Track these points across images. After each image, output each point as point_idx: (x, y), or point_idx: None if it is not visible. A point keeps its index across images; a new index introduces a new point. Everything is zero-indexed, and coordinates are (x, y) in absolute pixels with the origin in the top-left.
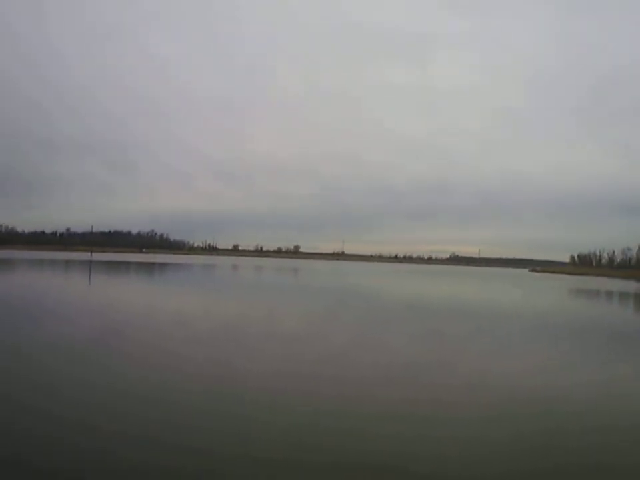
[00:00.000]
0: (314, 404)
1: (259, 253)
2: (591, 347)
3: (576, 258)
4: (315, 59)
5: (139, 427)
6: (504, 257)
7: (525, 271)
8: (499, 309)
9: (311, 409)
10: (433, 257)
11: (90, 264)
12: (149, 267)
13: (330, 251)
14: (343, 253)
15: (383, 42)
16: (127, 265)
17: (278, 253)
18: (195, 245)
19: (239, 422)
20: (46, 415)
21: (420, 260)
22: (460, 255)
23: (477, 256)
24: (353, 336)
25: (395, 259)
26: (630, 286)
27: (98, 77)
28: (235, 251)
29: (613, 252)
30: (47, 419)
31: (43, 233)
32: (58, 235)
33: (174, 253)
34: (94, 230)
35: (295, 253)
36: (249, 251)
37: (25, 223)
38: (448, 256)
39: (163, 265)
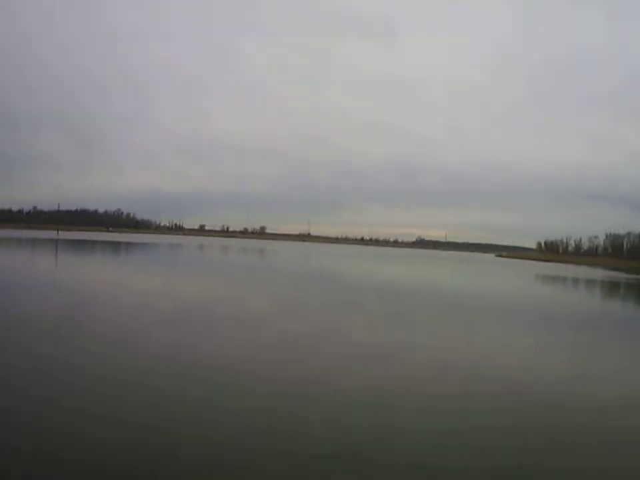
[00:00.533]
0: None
1: (225, 233)
2: (557, 332)
3: (542, 245)
4: (284, 40)
5: (97, 404)
6: (470, 241)
7: (492, 256)
8: (474, 296)
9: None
10: (399, 240)
11: (56, 242)
12: (115, 246)
13: (296, 232)
14: (309, 234)
15: (352, 23)
16: (92, 243)
17: (244, 233)
18: (162, 224)
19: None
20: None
21: (386, 243)
22: (426, 238)
23: (443, 240)
24: (308, 321)
25: (361, 241)
26: (596, 273)
27: (60, 52)
28: (202, 230)
29: (580, 239)
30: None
31: (11, 210)
32: (24, 213)
33: (140, 232)
34: (61, 208)
35: (261, 233)
36: (215, 231)
37: None
38: (414, 239)
39: (128, 244)
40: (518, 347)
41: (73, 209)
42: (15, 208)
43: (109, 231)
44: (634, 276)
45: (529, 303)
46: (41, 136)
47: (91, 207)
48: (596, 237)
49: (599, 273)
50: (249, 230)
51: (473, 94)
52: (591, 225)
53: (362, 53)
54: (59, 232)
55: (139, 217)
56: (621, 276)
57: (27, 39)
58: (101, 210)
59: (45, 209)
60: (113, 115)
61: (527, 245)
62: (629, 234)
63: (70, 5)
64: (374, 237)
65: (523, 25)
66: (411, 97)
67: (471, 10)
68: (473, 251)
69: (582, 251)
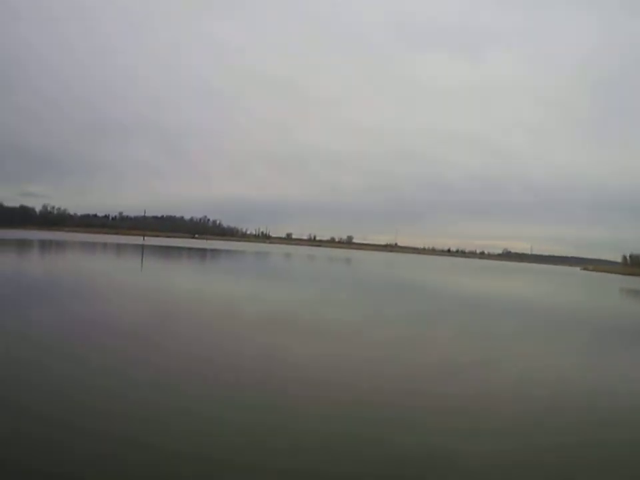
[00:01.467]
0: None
1: (312, 242)
2: None
3: (628, 258)
4: (373, 51)
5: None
6: (555, 254)
7: (577, 269)
8: (576, 312)
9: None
10: (486, 252)
11: (142, 248)
12: (201, 253)
13: (383, 242)
14: (395, 244)
15: (435, 36)
16: (178, 249)
17: (331, 242)
18: (248, 232)
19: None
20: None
21: (472, 254)
22: (512, 251)
23: (529, 252)
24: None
25: (448, 252)
26: None
27: (150, 62)
28: (288, 239)
29: None
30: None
31: (95, 216)
32: (110, 218)
33: (226, 240)
34: (147, 214)
35: (347, 243)
36: (302, 240)
37: (78, 206)
38: (500, 251)
39: (215, 251)
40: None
41: (159, 215)
42: (100, 213)
43: (194, 238)
44: None
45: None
46: (128, 143)
47: (177, 213)
48: None
49: None
50: (336, 239)
51: (558, 104)
52: None
53: (446, 65)
54: (145, 238)
55: (225, 224)
56: None
57: (114, 51)
58: (187, 217)
59: (132, 215)
60: (200, 124)
61: (612, 259)
62: None
63: (159, 16)
64: (460, 249)
65: (609, 33)
66: (496, 108)
67: (555, 20)
68: (557, 264)
69: None
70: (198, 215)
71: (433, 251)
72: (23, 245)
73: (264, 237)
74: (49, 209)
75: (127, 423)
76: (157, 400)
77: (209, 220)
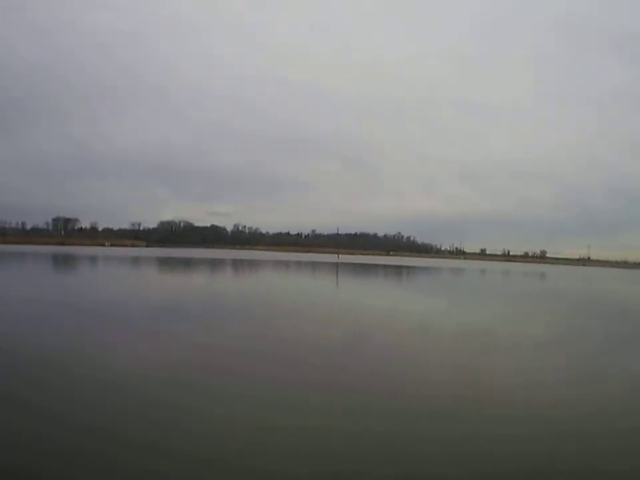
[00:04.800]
0: None
1: (506, 257)
2: None
3: None
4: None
5: None
6: None
7: None
8: None
9: None
10: None
11: (337, 265)
12: (396, 270)
13: (576, 256)
14: (588, 258)
15: None
16: (374, 267)
17: (524, 257)
18: (442, 248)
19: None
20: None
21: None
22: None
23: None
24: None
25: None
26: None
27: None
28: (482, 255)
29: None
30: None
31: (288, 233)
32: (303, 236)
33: (421, 256)
34: (339, 231)
35: (541, 257)
36: (495, 255)
37: (269, 224)
38: None
39: (410, 268)
40: None
41: (352, 232)
42: (293, 231)
43: (389, 255)
44: None
45: None
46: (319, 160)
47: (370, 230)
48: None
49: None
50: (529, 254)
51: None
52: None
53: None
54: (339, 255)
55: (419, 240)
56: None
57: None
58: (381, 234)
59: (324, 232)
60: (388, 139)
61: None
62: None
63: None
64: None
65: None
66: None
67: None
68: None
69: None
70: (391, 231)
71: (624, 264)
72: (215, 263)
73: (458, 253)
74: (240, 227)
75: None
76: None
77: (402, 236)
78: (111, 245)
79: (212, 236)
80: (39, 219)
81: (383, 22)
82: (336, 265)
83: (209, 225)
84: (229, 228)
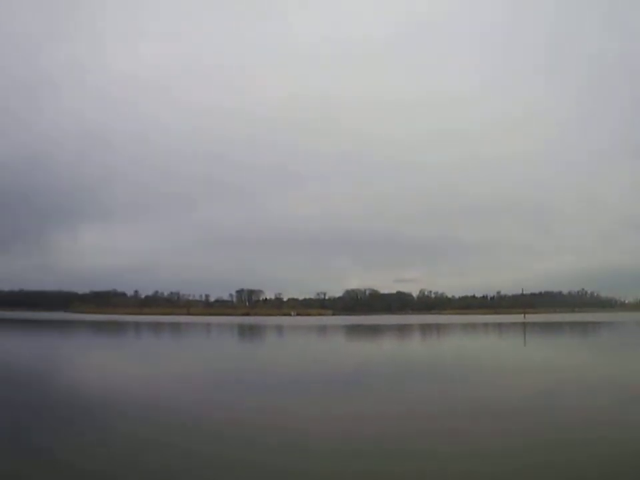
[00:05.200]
0: None
1: None
2: None
3: None
4: None
5: None
6: None
7: None
8: None
9: None
10: None
11: (524, 325)
12: (582, 326)
13: None
14: None
15: None
16: (558, 324)
17: None
18: (626, 301)
19: None
20: None
21: None
22: None
23: None
24: None
25: None
26: None
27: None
28: None
29: None
30: None
31: (474, 296)
32: (489, 298)
33: (605, 311)
34: (524, 292)
35: None
36: None
37: (456, 288)
38: None
39: (596, 324)
40: None
41: (537, 291)
42: (478, 294)
43: (574, 312)
44: None
45: None
46: (500, 221)
47: (555, 288)
48: None
49: None
50: None
51: None
52: None
53: None
54: (525, 316)
55: (603, 295)
56: None
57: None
58: (565, 291)
59: (509, 293)
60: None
61: None
62: None
63: None
64: None
65: None
66: None
67: None
68: None
69: None
70: (575, 288)
71: None
72: (413, 329)
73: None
74: (425, 293)
75: None
76: None
77: (586, 292)
78: (297, 314)
79: (398, 302)
80: (221, 292)
81: None
82: (523, 325)
83: (394, 291)
84: (415, 294)
